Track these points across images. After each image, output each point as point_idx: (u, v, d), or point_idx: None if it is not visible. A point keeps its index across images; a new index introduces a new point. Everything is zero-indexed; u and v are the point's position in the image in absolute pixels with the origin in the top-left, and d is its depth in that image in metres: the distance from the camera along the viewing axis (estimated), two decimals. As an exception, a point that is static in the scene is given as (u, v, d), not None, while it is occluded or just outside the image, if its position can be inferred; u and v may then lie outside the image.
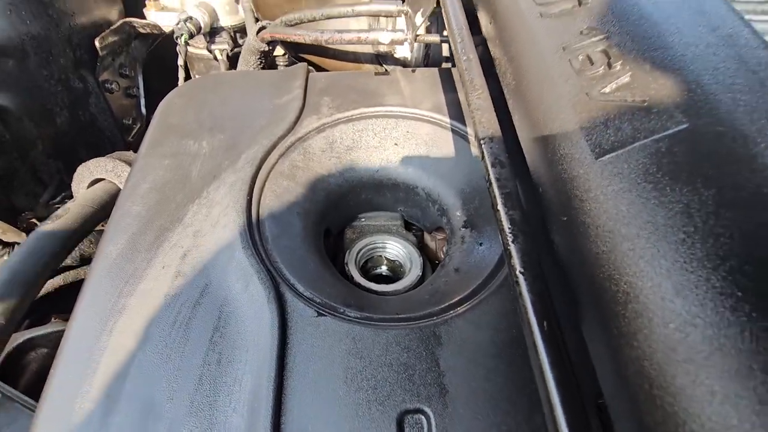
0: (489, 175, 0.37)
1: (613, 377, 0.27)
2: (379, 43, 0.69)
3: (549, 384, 0.26)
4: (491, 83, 0.49)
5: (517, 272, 0.31)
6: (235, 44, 1.06)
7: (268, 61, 0.93)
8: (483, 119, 0.39)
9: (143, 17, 1.02)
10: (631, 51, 0.33)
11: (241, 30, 1.09)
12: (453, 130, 0.66)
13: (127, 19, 0.96)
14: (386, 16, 0.73)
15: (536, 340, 0.27)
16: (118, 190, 0.70)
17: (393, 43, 0.69)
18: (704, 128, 0.27)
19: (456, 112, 0.67)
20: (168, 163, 0.60)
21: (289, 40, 0.74)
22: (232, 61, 1.06)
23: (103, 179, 0.71)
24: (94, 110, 0.93)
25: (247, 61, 0.90)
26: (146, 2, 1.02)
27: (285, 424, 0.41)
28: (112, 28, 0.91)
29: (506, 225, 0.33)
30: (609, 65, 0.33)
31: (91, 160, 0.70)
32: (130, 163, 0.71)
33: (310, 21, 0.73)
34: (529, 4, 0.43)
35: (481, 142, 0.38)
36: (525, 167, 0.43)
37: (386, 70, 0.82)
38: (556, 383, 0.26)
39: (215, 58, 1.04)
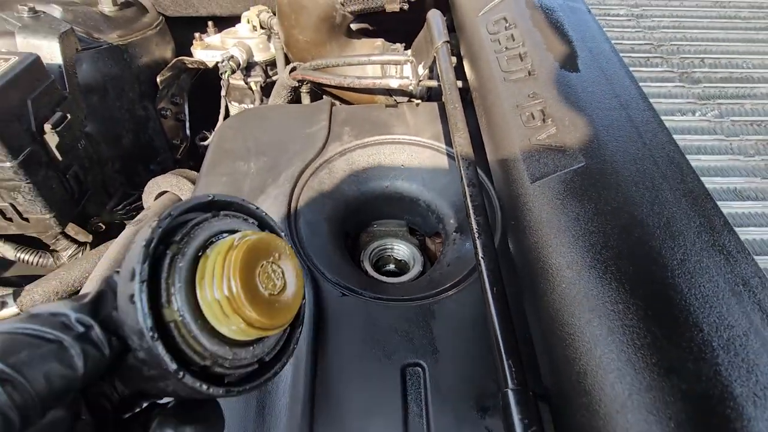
0: (465, 191, 0.53)
1: (535, 321, 0.43)
2: (389, 87, 0.86)
3: (494, 323, 0.42)
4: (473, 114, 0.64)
5: (480, 257, 0.47)
6: (267, 76, 1.25)
7: (296, 93, 1.11)
8: (462, 153, 0.56)
9: (190, 55, 1.21)
10: (557, 111, 0.49)
11: (272, 63, 1.27)
12: (448, 155, 0.82)
13: (180, 58, 1.15)
14: (395, 64, 0.91)
15: (488, 298, 0.43)
16: (180, 201, 0.88)
17: (400, 87, 0.86)
18: (593, 166, 0.44)
19: (450, 140, 0.84)
20: (225, 180, 0.77)
21: (316, 81, 0.92)
22: (264, 90, 1.25)
23: (168, 191, 0.89)
24: (151, 133, 1.12)
25: (279, 93, 1.08)
26: (194, 42, 1.21)
27: (320, 371, 0.54)
28: (168, 65, 1.11)
29: (474, 226, 0.49)
30: (543, 120, 0.50)
31: (159, 176, 0.88)
32: (188, 179, 0.89)
33: (333, 66, 0.91)
34: (497, 70, 0.60)
35: (461, 169, 0.55)
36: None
37: (395, 101, 0.99)
38: (498, 323, 0.42)
39: (250, 89, 1.22)
